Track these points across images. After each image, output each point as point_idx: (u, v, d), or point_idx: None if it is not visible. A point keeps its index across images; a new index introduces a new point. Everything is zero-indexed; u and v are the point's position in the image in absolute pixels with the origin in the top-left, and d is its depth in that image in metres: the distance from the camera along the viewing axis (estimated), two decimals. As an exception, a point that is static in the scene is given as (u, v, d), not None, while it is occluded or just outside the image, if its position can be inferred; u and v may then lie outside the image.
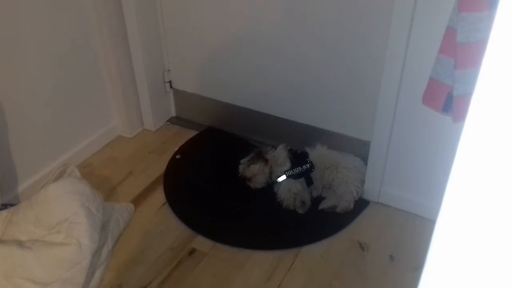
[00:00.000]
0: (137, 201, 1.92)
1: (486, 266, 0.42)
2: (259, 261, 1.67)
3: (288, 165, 1.91)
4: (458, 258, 0.43)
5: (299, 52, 1.94)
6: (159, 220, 1.85)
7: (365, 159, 1.88)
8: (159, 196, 1.96)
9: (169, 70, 2.32)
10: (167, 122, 2.44)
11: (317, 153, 1.94)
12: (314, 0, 1.81)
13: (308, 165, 1.88)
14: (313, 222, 1.82)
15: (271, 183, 1.94)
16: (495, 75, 0.35)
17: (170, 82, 2.35)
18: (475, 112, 0.36)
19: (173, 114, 2.46)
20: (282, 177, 1.90)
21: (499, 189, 0.38)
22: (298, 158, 1.92)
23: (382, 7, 1.65)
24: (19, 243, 1.47)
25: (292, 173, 1.89)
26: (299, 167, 1.89)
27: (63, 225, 1.50)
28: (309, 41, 1.89)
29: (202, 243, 1.74)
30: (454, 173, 0.39)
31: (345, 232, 1.78)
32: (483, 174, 0.38)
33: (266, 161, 1.93)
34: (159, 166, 2.11)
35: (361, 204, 1.88)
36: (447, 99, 1.22)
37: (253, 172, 1.93)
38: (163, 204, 1.92)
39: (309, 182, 1.90)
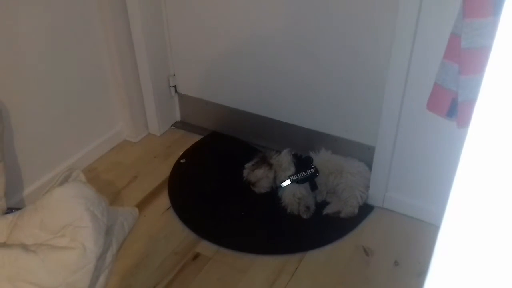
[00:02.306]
0: (142, 205, 1.93)
1: (490, 271, 0.42)
2: (263, 265, 1.67)
3: (292, 169, 1.91)
4: (462, 263, 0.43)
5: (303, 57, 1.94)
6: (164, 224, 1.85)
7: (369, 164, 1.88)
8: (164, 200, 1.96)
9: (174, 75, 2.33)
10: (172, 127, 2.44)
11: (322, 158, 1.94)
12: (318, 6, 1.81)
13: (312, 170, 1.88)
14: (317, 227, 1.81)
15: (275, 188, 1.94)
16: (498, 81, 0.35)
17: (175, 86, 2.36)
18: (479, 117, 0.36)
19: (178, 118, 2.47)
20: (287, 182, 1.90)
21: (503, 194, 0.38)
22: (303, 163, 1.92)
23: (387, 12, 1.65)
24: (24, 247, 1.48)
25: (297, 177, 1.89)
26: (303, 172, 1.89)
27: (68, 229, 1.50)
28: (314, 46, 1.90)
29: (206, 247, 1.74)
30: (458, 178, 0.39)
31: (349, 237, 1.77)
32: (487, 179, 0.38)
33: (270, 165, 1.94)
34: (164, 171, 2.12)
35: (365, 209, 1.87)
36: (451, 105, 1.22)
37: (258, 176, 1.93)
38: (168, 209, 1.92)
39: (314, 187, 1.90)
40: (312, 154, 1.96)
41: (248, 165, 1.98)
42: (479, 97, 0.36)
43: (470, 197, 0.39)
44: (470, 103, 1.16)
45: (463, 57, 1.13)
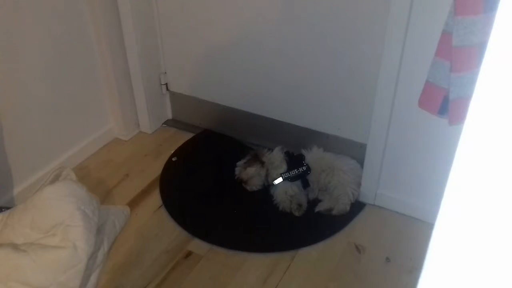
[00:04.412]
0: (133, 203, 1.92)
1: (485, 269, 0.42)
2: (256, 263, 1.67)
3: (284, 167, 1.92)
4: (457, 261, 0.43)
5: (296, 54, 1.94)
6: (155, 222, 1.84)
7: (361, 162, 1.89)
8: (155, 198, 1.96)
9: (165, 73, 2.32)
10: (163, 125, 2.43)
11: (314, 156, 1.94)
12: (311, 3, 1.81)
13: (304, 168, 1.89)
14: (310, 225, 1.82)
15: (268, 186, 1.95)
16: (494, 78, 0.35)
17: (166, 84, 2.35)
18: (474, 114, 0.36)
19: (169, 116, 2.46)
20: (279, 180, 1.90)
21: (498, 192, 0.38)
22: (295, 161, 1.92)
23: (378, 11, 1.65)
24: (15, 247, 1.47)
25: (289, 175, 1.89)
26: (295, 170, 1.89)
27: (59, 228, 1.49)
28: (306, 44, 1.90)
29: (198, 245, 1.74)
30: (453, 177, 0.39)
31: (341, 235, 1.78)
32: (482, 177, 0.38)
33: (262, 163, 1.94)
34: (155, 169, 2.11)
35: (357, 206, 1.88)
36: (443, 102, 1.23)
37: (250, 174, 1.93)
38: (159, 207, 1.92)
39: (306, 185, 1.90)
40: (304, 151, 1.96)
41: (240, 163, 1.98)
42: (474, 94, 0.36)
43: (465, 195, 0.40)
44: (462, 100, 1.16)
45: (455, 55, 1.13)
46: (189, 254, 1.71)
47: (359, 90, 1.87)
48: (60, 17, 1.88)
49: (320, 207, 1.87)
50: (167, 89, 2.37)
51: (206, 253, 1.71)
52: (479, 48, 1.09)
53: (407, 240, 1.74)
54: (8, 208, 1.63)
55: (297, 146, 2.01)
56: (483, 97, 0.35)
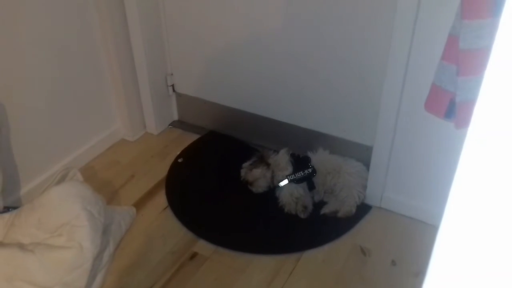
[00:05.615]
0: (139, 204, 1.92)
1: (489, 271, 0.42)
2: (261, 265, 1.67)
3: (290, 169, 1.91)
4: (461, 265, 0.43)
5: (302, 56, 1.94)
6: (161, 223, 1.85)
7: (367, 164, 1.88)
8: (161, 199, 1.96)
9: (171, 74, 2.33)
10: (170, 126, 2.44)
11: (319, 158, 1.94)
12: (317, 4, 1.81)
13: (310, 170, 1.88)
14: (315, 227, 1.81)
15: (273, 188, 1.94)
16: (499, 81, 0.35)
17: (172, 85, 2.36)
18: (479, 117, 0.36)
19: (176, 117, 2.47)
20: (284, 182, 1.90)
21: (502, 195, 0.38)
22: (300, 163, 1.92)
23: (385, 13, 1.65)
24: (21, 246, 1.48)
25: (294, 177, 1.89)
26: (301, 172, 1.89)
27: (65, 228, 1.50)
28: (312, 45, 1.90)
29: (203, 247, 1.74)
30: (458, 179, 0.39)
31: (347, 237, 1.77)
32: (487, 180, 0.38)
33: (268, 165, 1.93)
34: (161, 170, 2.12)
35: (363, 209, 1.87)
36: (449, 105, 1.22)
37: (255, 176, 1.93)
38: (165, 208, 1.92)
39: (311, 187, 1.90)
40: (310, 153, 1.96)
41: (245, 165, 1.98)
42: (479, 97, 0.36)
43: (469, 198, 0.39)
44: (468, 104, 1.16)
45: (461, 58, 1.13)
46: (194, 255, 1.71)
47: (365, 93, 1.87)
48: (67, 18, 1.89)
49: (325, 209, 1.86)
50: (174, 90, 2.38)
51: (211, 255, 1.71)
52: (486, 52, 1.09)
53: (413, 243, 1.73)
54: (15, 208, 1.64)
55: (302, 148, 2.01)
56: (488, 100, 0.35)
